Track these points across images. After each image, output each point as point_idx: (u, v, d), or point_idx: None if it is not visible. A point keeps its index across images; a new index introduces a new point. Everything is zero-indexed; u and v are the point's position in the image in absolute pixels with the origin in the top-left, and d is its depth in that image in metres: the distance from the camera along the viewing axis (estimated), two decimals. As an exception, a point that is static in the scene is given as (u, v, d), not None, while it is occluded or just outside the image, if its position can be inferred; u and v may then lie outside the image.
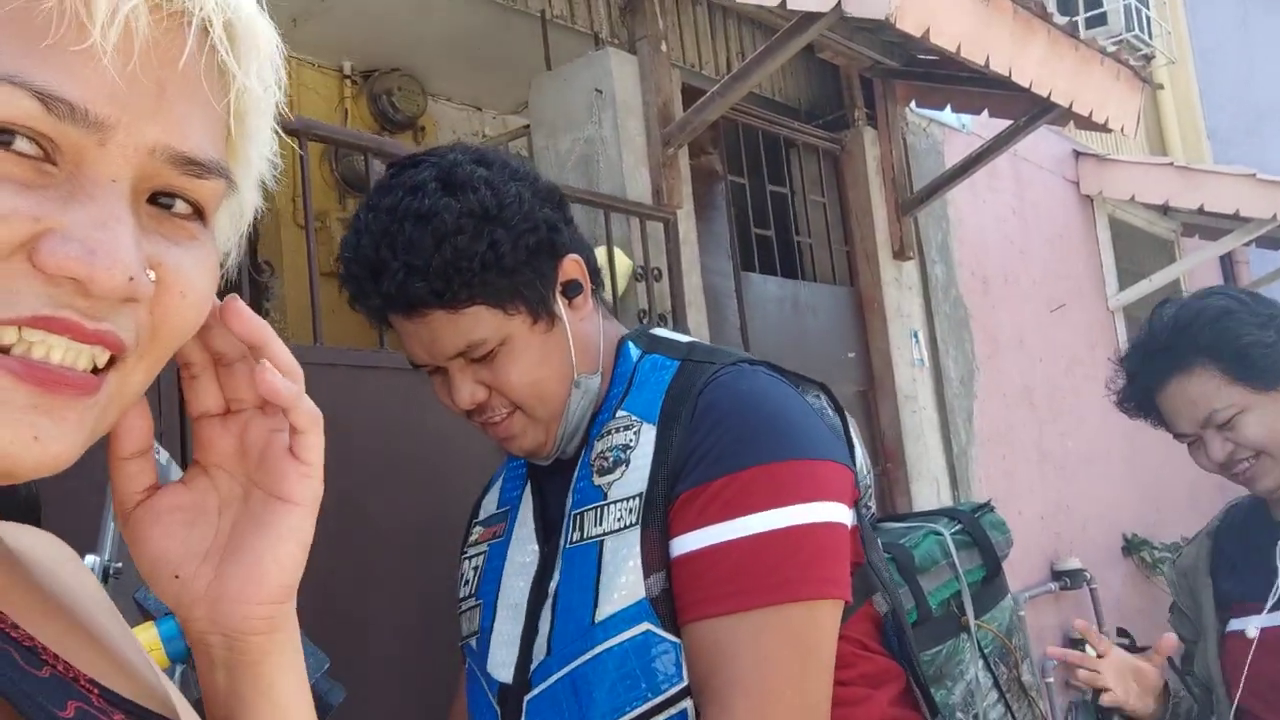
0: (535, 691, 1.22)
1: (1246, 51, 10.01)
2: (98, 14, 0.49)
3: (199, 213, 0.57)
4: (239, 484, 0.62)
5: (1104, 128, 4.15)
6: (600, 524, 1.22)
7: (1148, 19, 6.99)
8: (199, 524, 0.61)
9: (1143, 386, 1.87)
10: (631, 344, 1.36)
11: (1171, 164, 6.64)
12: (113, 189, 0.51)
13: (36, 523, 0.68)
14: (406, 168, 1.26)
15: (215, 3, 0.54)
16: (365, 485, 2.22)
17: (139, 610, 1.13)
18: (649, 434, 1.23)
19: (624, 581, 1.17)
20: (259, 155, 0.62)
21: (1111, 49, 4.29)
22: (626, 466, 1.23)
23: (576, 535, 1.23)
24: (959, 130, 5.25)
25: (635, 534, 1.18)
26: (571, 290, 1.30)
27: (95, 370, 0.52)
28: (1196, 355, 1.79)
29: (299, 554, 0.61)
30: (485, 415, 1.27)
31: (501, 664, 1.28)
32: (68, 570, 0.64)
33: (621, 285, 3.16)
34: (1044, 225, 5.99)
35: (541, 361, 1.26)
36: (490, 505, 1.46)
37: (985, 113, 4.61)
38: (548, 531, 1.31)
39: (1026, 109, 4.20)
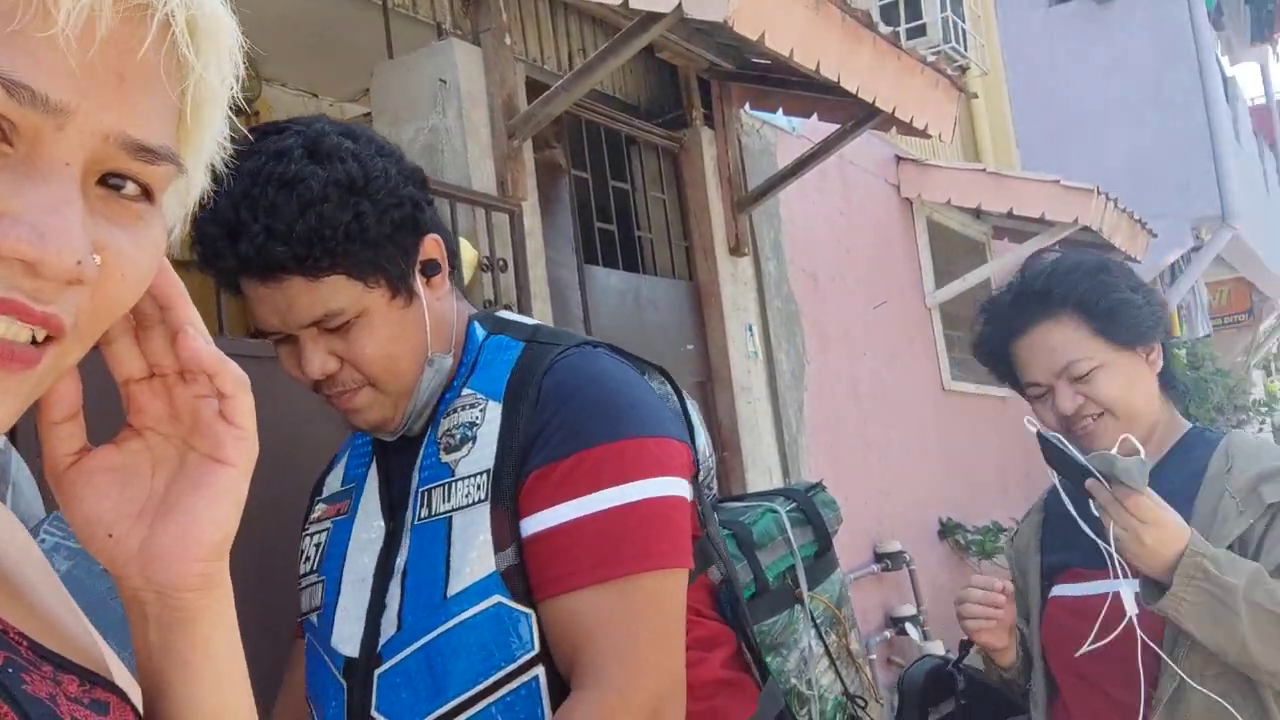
0: (386, 665, 1.24)
1: (1053, 66, 10.70)
2: (63, 2, 0.50)
3: (147, 193, 0.58)
4: (173, 446, 0.64)
5: (923, 133, 4.39)
6: (448, 500, 1.24)
7: (963, 32, 7.38)
8: (132, 484, 0.62)
9: (1004, 330, 1.86)
10: (477, 324, 1.38)
11: (984, 170, 7.04)
12: (66, 173, 0.52)
13: None
14: (270, 133, 1.24)
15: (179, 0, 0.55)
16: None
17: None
18: (495, 411, 1.26)
19: (474, 556, 1.20)
20: (211, 140, 0.63)
21: (931, 59, 4.55)
22: (473, 444, 1.25)
23: (425, 512, 1.25)
24: (790, 133, 5.46)
25: (484, 510, 1.21)
26: (430, 269, 1.31)
27: (34, 341, 0.53)
28: (1066, 304, 1.79)
29: (233, 513, 0.62)
30: (334, 387, 1.27)
31: (346, 639, 1.29)
32: (2, 529, 0.65)
33: (467, 276, 3.18)
34: (868, 226, 6.27)
35: (397, 337, 1.26)
36: (334, 483, 1.46)
37: (815, 116, 4.81)
38: (393, 508, 1.32)
39: (853, 114, 4.41)
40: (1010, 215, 6.88)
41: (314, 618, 1.36)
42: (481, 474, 1.23)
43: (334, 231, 1.18)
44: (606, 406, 1.24)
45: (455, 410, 1.31)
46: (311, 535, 1.43)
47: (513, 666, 1.19)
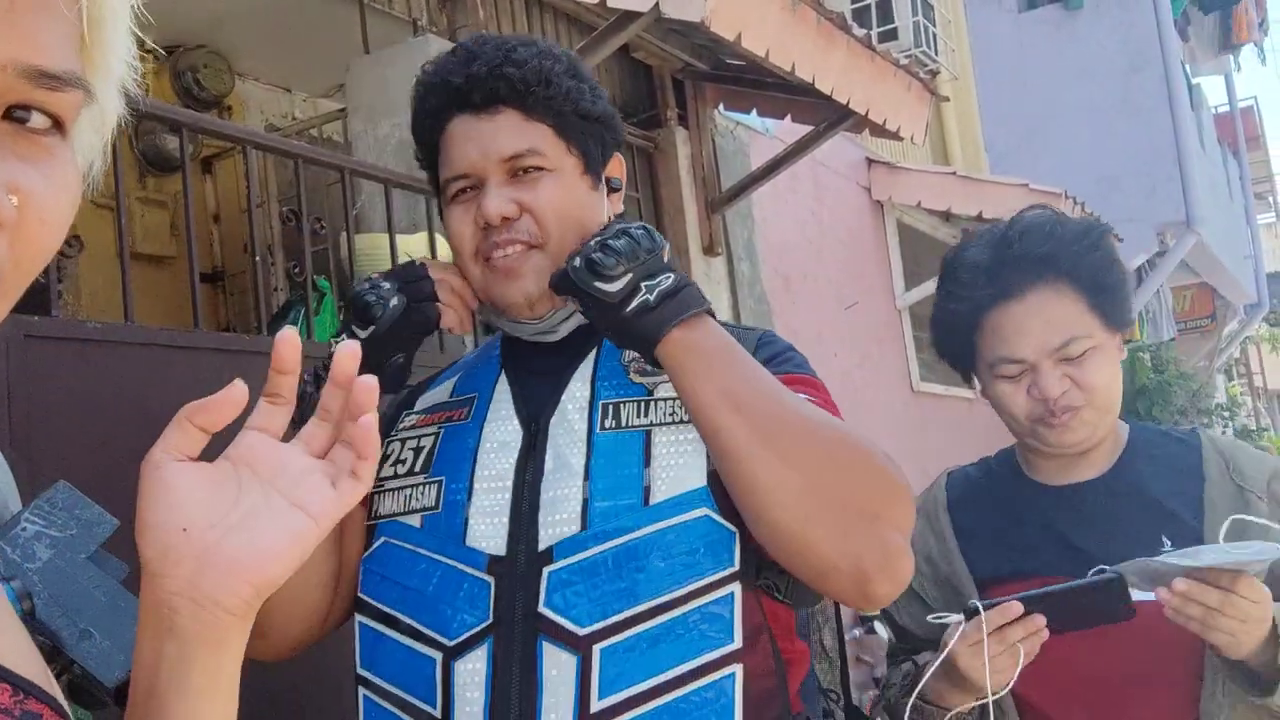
0: (561, 563, 1.22)
1: (1021, 71, 10.81)
2: None
3: (58, 125, 0.54)
4: (260, 487, 0.65)
5: (896, 135, 4.43)
6: (644, 416, 1.28)
7: (934, 36, 7.45)
8: (220, 498, 0.63)
9: (987, 293, 1.60)
10: None
11: (954, 173, 7.10)
12: None
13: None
14: None
15: None
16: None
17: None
18: None
19: (685, 469, 1.24)
20: (119, 61, 0.60)
21: (903, 62, 4.59)
22: None
23: (611, 422, 1.28)
24: (763, 134, 5.48)
25: (693, 429, 1.24)
26: (614, 183, 1.40)
27: None
28: (1067, 274, 1.58)
29: (297, 559, 0.63)
30: (504, 236, 1.28)
31: (487, 536, 1.26)
32: None
33: (440, 272, 3.18)
34: (839, 228, 6.32)
35: (578, 205, 1.32)
36: (438, 396, 1.44)
37: (788, 118, 4.83)
38: (530, 416, 1.32)
39: (826, 116, 4.44)
40: (979, 218, 6.93)
41: (417, 519, 1.32)
42: None
43: (559, 87, 1.29)
44: (797, 360, 1.40)
45: None
46: (404, 440, 1.39)
47: (712, 578, 1.21)
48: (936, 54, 7.48)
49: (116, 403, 2.09)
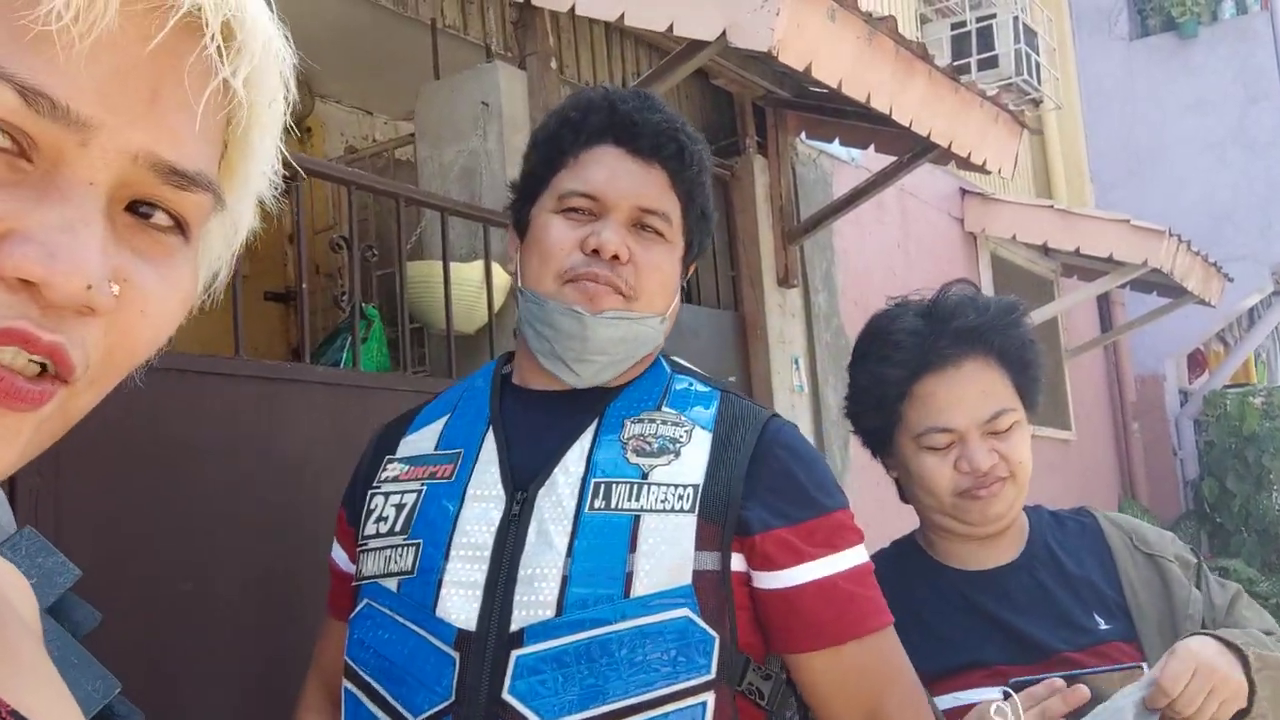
0: (533, 649, 1.18)
1: (1130, 100, 10.44)
2: (74, 2, 0.47)
3: (180, 227, 0.54)
4: None
5: (981, 169, 4.27)
6: (636, 500, 1.24)
7: (1037, 64, 7.22)
8: None
9: (916, 362, 1.57)
10: (662, 357, 1.45)
11: (1051, 206, 6.87)
12: (88, 192, 0.49)
13: None
14: None
15: (214, 2, 0.51)
16: (214, 498, 2.16)
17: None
18: (703, 439, 1.30)
19: (669, 564, 1.20)
20: (259, 173, 0.59)
21: (993, 92, 4.43)
22: (676, 458, 1.28)
23: (600, 503, 1.24)
24: (848, 163, 5.36)
25: (689, 521, 1.23)
26: (685, 275, 1.45)
27: (43, 371, 0.49)
28: (996, 349, 1.59)
29: None
30: (606, 273, 1.30)
31: (458, 610, 1.23)
32: (13, 598, 0.62)
33: (499, 301, 3.14)
34: (927, 260, 6.14)
35: (670, 281, 1.37)
36: (422, 444, 1.40)
37: (872, 148, 4.71)
38: (516, 481, 1.29)
39: (910, 147, 4.30)
40: (1078, 253, 6.70)
41: (394, 583, 1.29)
42: (686, 487, 1.25)
43: (702, 178, 1.37)
44: (829, 477, 1.34)
45: (651, 420, 1.33)
46: (387, 495, 1.37)
47: (687, 684, 1.18)
48: (1039, 83, 7.24)
49: (150, 431, 2.08)
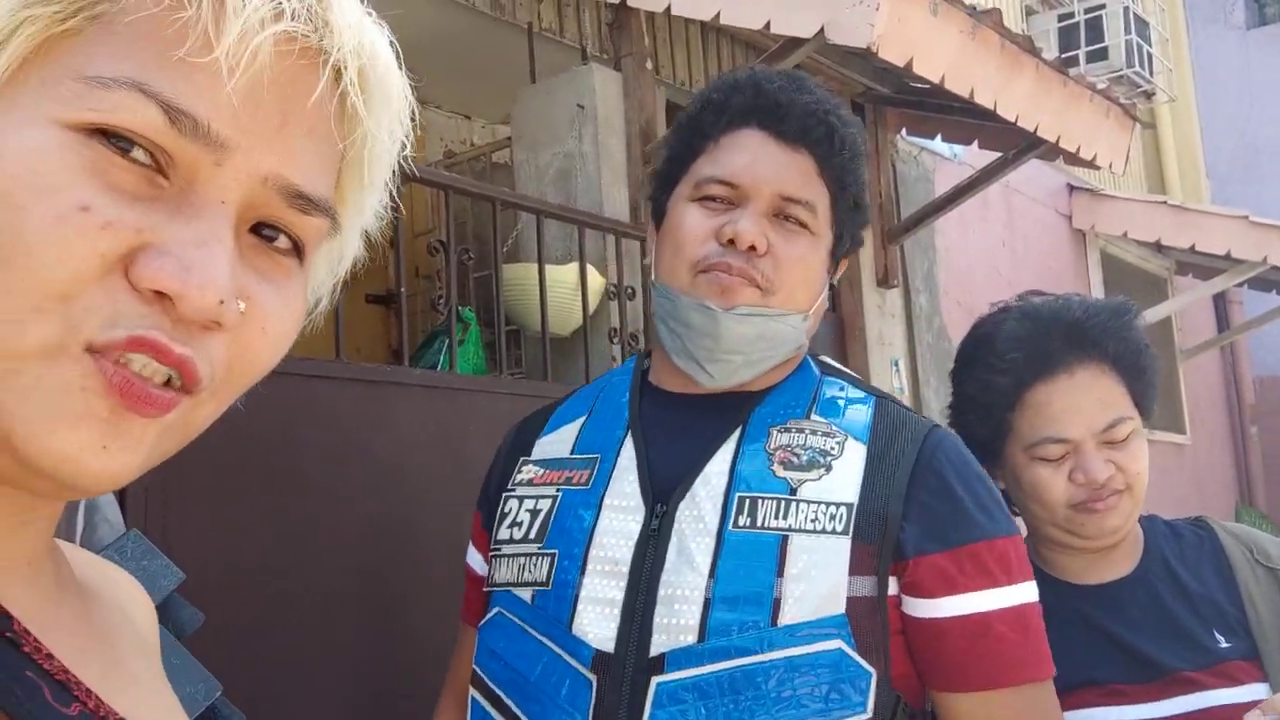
0: (674, 676, 1.11)
1: (1247, 91, 10.02)
2: (226, 34, 0.49)
3: (298, 249, 0.56)
4: None
5: (1091, 164, 4.13)
6: (783, 518, 1.16)
7: (1149, 55, 6.97)
8: None
9: (1029, 368, 1.51)
10: (810, 359, 1.35)
11: (1165, 202, 6.63)
12: (220, 210, 0.51)
13: None
14: None
15: (353, 48, 0.54)
16: (316, 499, 2.19)
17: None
18: (857, 451, 1.21)
19: (824, 589, 1.12)
20: (371, 203, 0.62)
21: (1104, 85, 4.28)
22: (827, 472, 1.19)
23: (744, 520, 1.16)
24: (950, 160, 5.24)
25: (841, 544, 1.14)
26: (833, 280, 1.35)
27: (169, 382, 0.51)
28: (1107, 354, 1.51)
29: None
30: (741, 264, 1.21)
31: (595, 629, 1.16)
32: (133, 612, 0.64)
33: (594, 303, 3.14)
34: (1034, 258, 5.97)
35: (813, 275, 1.26)
36: (558, 448, 1.34)
37: (976, 144, 4.59)
38: (657, 494, 1.21)
39: (1015, 142, 4.18)
40: (1193, 251, 6.45)
41: (528, 593, 1.24)
42: (838, 505, 1.16)
43: (855, 164, 1.26)
44: (996, 499, 1.23)
45: (799, 429, 1.23)
46: (521, 499, 1.31)
47: None
48: (1151, 74, 7.00)
49: (255, 432, 2.12)
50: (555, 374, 2.92)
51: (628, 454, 1.26)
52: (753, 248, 1.19)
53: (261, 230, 0.54)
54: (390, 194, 0.63)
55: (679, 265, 1.23)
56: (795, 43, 3.17)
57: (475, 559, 1.41)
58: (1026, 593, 1.19)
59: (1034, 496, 1.52)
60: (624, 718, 1.11)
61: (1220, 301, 8.41)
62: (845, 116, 1.25)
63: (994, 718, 1.16)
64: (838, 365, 1.37)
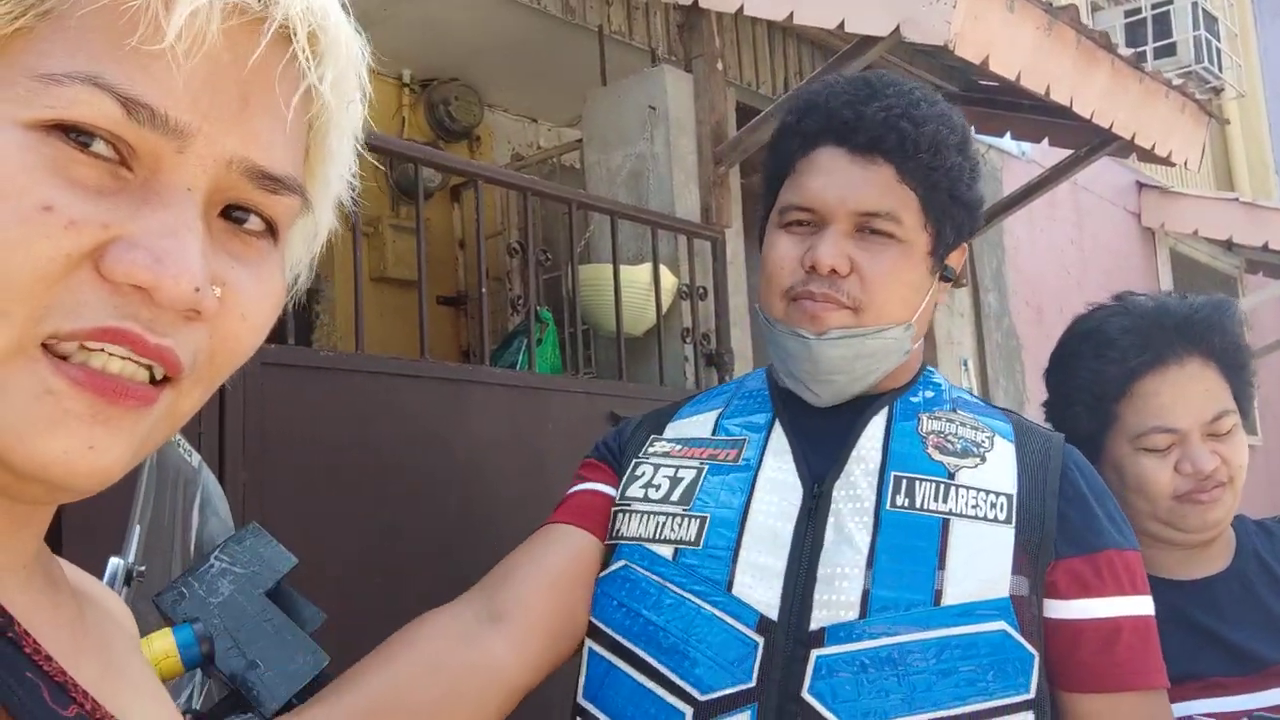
0: (835, 650, 1.12)
1: (1320, 86, 9.80)
2: (174, 16, 0.48)
3: (271, 230, 0.56)
4: None
5: (1167, 161, 4.06)
6: (943, 501, 1.17)
7: (1218, 51, 6.85)
8: None
9: (1138, 360, 1.52)
10: (933, 370, 1.38)
11: (1237, 199, 6.50)
12: (186, 198, 0.50)
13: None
14: None
15: (300, 12, 0.53)
16: (400, 496, 2.22)
17: (158, 614, 1.14)
18: (1006, 449, 1.23)
19: (989, 575, 1.14)
20: (337, 176, 0.61)
21: (1178, 81, 4.22)
22: (982, 462, 1.21)
23: (904, 500, 1.18)
24: (1018, 158, 5.19)
25: (1005, 532, 1.16)
26: (948, 272, 1.32)
27: (152, 380, 0.51)
28: (1212, 349, 1.53)
29: None
30: (824, 290, 1.21)
31: (759, 592, 1.16)
32: (118, 624, 0.64)
33: (666, 302, 3.15)
34: (1102, 256, 5.89)
35: (910, 284, 1.24)
36: (695, 430, 1.34)
37: (1046, 141, 4.54)
38: (814, 475, 1.22)
39: (1088, 139, 4.13)
40: (1266, 249, 6.32)
41: (669, 550, 1.22)
42: (1001, 495, 1.18)
43: (944, 157, 1.21)
44: (1123, 514, 1.27)
45: (950, 419, 1.26)
46: (657, 466, 1.30)
47: (1003, 702, 1.11)
48: (1220, 70, 6.88)
49: (344, 430, 2.16)
50: (629, 374, 2.93)
51: (779, 436, 1.27)
52: (834, 271, 1.20)
53: (232, 213, 0.54)
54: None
55: (771, 294, 1.26)
56: (868, 42, 3.15)
57: (594, 485, 1.34)
58: (1150, 605, 1.22)
59: (1138, 488, 1.53)
60: (781, 684, 1.11)
61: (1292, 300, 8.24)
62: (921, 114, 1.21)
63: (1119, 718, 1.17)
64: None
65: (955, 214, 1.25)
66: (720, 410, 1.36)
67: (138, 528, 1.30)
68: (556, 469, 1.50)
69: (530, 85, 4.47)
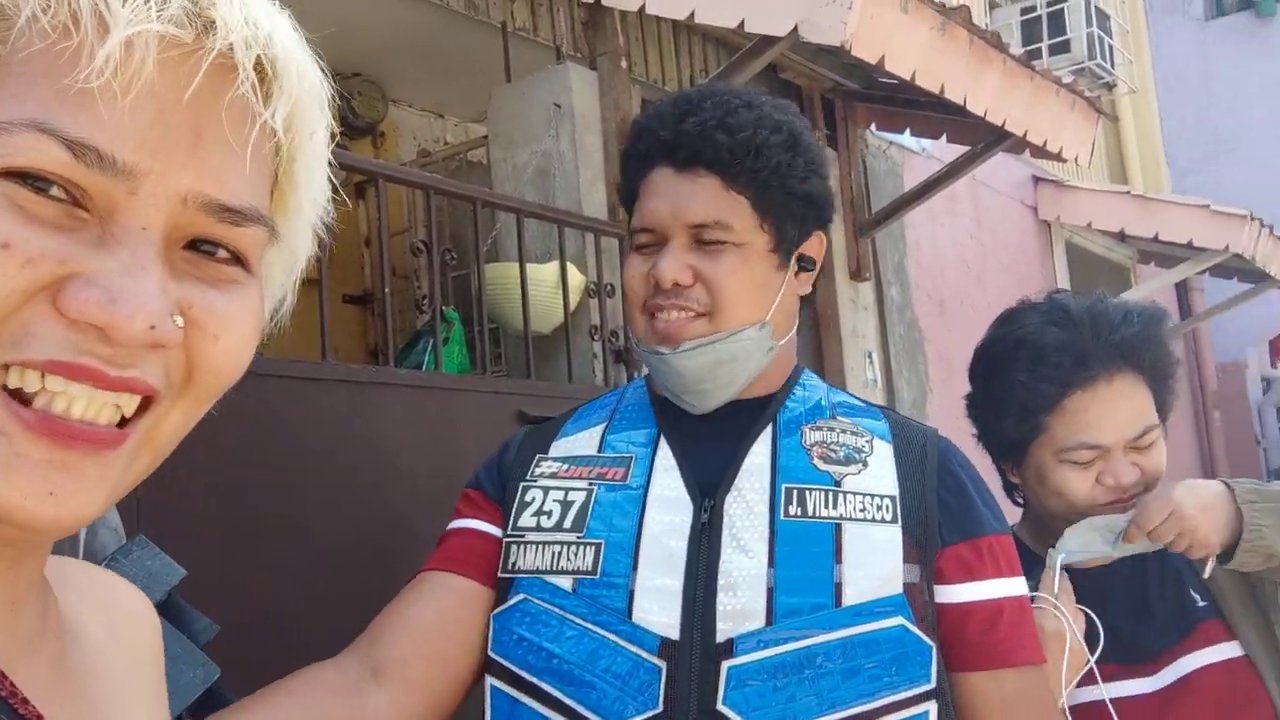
0: (745, 659, 1.15)
1: (1206, 82, 10.18)
2: (103, 49, 0.48)
3: (241, 261, 0.55)
4: None
5: (1058, 157, 4.20)
6: (834, 507, 1.22)
7: (1110, 48, 7.07)
8: None
9: (1076, 376, 1.54)
10: (808, 371, 1.42)
11: (1128, 192, 6.73)
12: (143, 237, 0.50)
13: None
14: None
15: (242, 40, 0.52)
16: (308, 502, 2.20)
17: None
18: (885, 450, 1.29)
19: (882, 573, 1.19)
20: (310, 202, 0.60)
21: (1070, 78, 4.35)
22: (864, 467, 1.26)
23: (796, 510, 1.22)
24: (918, 154, 5.30)
25: (893, 532, 1.22)
26: (805, 263, 1.36)
27: (123, 421, 0.51)
28: (1143, 365, 1.57)
29: None
30: (673, 300, 1.26)
31: (655, 617, 1.18)
32: (131, 630, 0.64)
33: (574, 300, 3.16)
34: (1001, 249, 6.05)
35: (755, 284, 1.28)
36: (580, 447, 1.35)
37: (944, 138, 4.65)
38: (703, 490, 1.25)
39: (983, 136, 4.24)
40: (1156, 240, 6.55)
41: (568, 581, 1.23)
42: (883, 497, 1.24)
43: (767, 158, 1.25)
44: (994, 498, 1.35)
45: (830, 428, 1.30)
46: (546, 489, 1.31)
47: (907, 694, 1.17)
48: (1113, 66, 7.10)
49: (245, 437, 2.13)
50: (538, 372, 2.94)
51: (665, 454, 1.30)
52: (677, 284, 1.25)
53: (200, 245, 0.53)
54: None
55: (633, 313, 1.33)
56: (768, 41, 3.20)
57: (474, 523, 1.35)
58: (1024, 585, 1.30)
59: (1059, 496, 1.58)
60: (695, 703, 1.14)
61: (1182, 289, 8.53)
62: (737, 122, 1.25)
63: (1004, 693, 1.24)
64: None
65: (793, 209, 1.29)
66: (605, 425, 1.38)
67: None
68: (470, 469, 1.50)
69: (435, 81, 4.43)
